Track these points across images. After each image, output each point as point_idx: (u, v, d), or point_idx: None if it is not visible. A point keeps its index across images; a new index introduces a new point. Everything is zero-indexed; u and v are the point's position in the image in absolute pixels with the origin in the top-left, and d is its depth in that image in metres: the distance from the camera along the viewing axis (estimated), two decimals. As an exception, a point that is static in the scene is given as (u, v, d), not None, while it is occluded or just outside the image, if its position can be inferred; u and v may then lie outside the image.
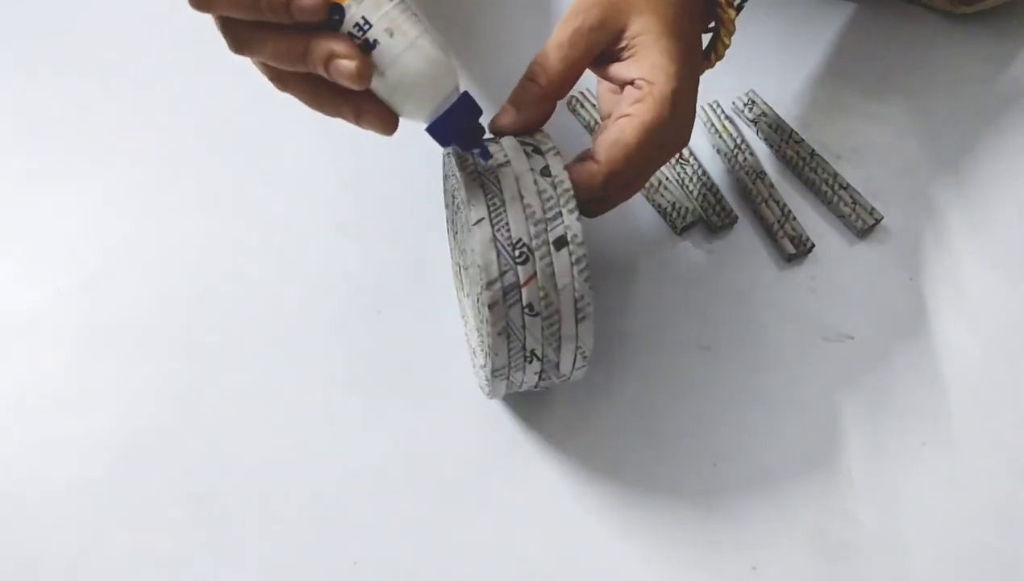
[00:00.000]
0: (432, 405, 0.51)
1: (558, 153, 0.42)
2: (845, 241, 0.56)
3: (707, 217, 0.56)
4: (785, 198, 0.56)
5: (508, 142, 0.43)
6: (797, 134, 0.58)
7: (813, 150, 0.58)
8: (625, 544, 0.47)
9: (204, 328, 0.54)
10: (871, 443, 0.50)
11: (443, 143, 0.41)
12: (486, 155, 0.42)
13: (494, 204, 0.41)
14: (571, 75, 0.44)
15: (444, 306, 0.54)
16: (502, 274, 0.40)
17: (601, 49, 0.45)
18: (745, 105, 0.60)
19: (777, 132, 0.59)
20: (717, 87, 0.59)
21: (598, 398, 0.51)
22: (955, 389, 0.51)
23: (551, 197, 0.41)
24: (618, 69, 0.45)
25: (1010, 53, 0.64)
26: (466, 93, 0.40)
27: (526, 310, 0.41)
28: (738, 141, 0.58)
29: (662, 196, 0.56)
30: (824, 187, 0.57)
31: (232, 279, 0.55)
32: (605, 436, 0.50)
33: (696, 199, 0.56)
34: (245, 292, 0.55)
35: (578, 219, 0.41)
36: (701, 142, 0.59)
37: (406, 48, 0.38)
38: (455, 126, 0.40)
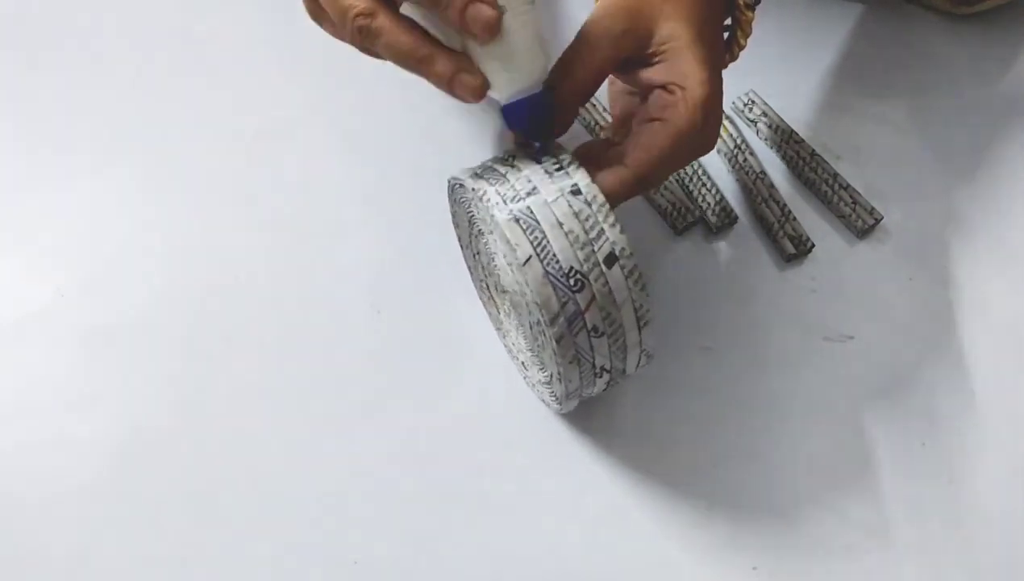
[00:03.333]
0: (432, 405, 0.51)
1: (580, 165, 0.42)
2: (845, 241, 0.56)
3: (707, 217, 0.56)
4: (785, 198, 0.56)
5: (529, 167, 0.42)
6: (797, 134, 0.58)
7: (813, 150, 0.58)
8: (625, 544, 0.47)
9: (204, 328, 0.53)
10: (871, 443, 0.50)
11: (512, 125, 0.43)
12: (545, 150, 0.43)
13: (536, 238, 0.40)
14: (595, 81, 0.44)
15: (444, 306, 0.54)
16: (563, 306, 0.40)
17: (627, 54, 0.44)
18: (745, 105, 0.60)
19: (777, 132, 0.59)
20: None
21: (597, 399, 0.51)
22: (955, 389, 0.51)
23: (589, 216, 0.41)
24: (647, 73, 0.44)
25: (1010, 53, 0.63)
26: (549, 88, 0.42)
27: (591, 333, 0.41)
28: (738, 141, 0.58)
29: (662, 196, 0.56)
30: (824, 187, 0.57)
31: (232, 279, 0.55)
32: (604, 437, 0.50)
33: (696, 199, 0.56)
34: (245, 292, 0.55)
35: (622, 230, 0.41)
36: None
37: (518, 23, 0.39)
38: (530, 113, 0.42)
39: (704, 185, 0.57)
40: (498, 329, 0.52)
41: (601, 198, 0.41)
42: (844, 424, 0.50)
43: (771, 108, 0.60)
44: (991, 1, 0.63)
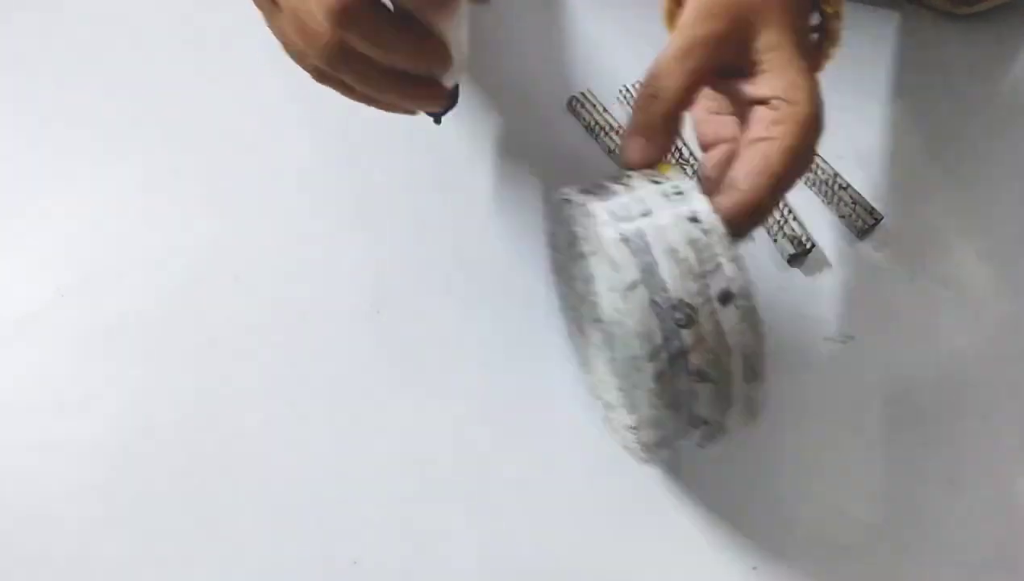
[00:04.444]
0: (432, 405, 0.51)
1: (701, 191, 0.38)
2: (845, 241, 0.56)
3: (707, 217, 0.56)
4: (785, 198, 0.56)
5: (645, 188, 0.39)
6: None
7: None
8: (624, 544, 0.47)
9: (204, 328, 0.53)
10: (871, 443, 0.50)
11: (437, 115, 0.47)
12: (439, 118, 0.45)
13: (645, 262, 0.37)
14: (695, 90, 0.40)
15: (444, 306, 0.54)
16: (666, 340, 0.37)
17: (725, 62, 0.40)
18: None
19: (777, 132, 0.59)
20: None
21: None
22: (955, 389, 0.51)
23: (706, 246, 0.37)
24: (746, 86, 0.41)
25: (1010, 53, 0.63)
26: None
27: (694, 377, 0.37)
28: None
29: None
30: (824, 187, 0.57)
31: (232, 279, 0.55)
32: (602, 439, 0.50)
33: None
34: (245, 293, 0.55)
35: (741, 268, 0.37)
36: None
37: (464, 20, 0.42)
38: (452, 100, 0.45)
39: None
40: (582, 365, 0.50)
41: (722, 229, 0.37)
42: (844, 424, 0.50)
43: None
44: (991, 1, 0.63)
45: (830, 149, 0.59)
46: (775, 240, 0.55)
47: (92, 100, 0.62)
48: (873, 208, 0.56)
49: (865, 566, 0.47)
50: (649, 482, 0.49)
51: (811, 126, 0.39)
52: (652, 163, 0.40)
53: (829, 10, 0.44)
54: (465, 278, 0.53)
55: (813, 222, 0.56)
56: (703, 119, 0.46)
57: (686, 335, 0.37)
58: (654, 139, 0.40)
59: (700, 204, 0.38)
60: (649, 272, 0.37)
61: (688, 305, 0.36)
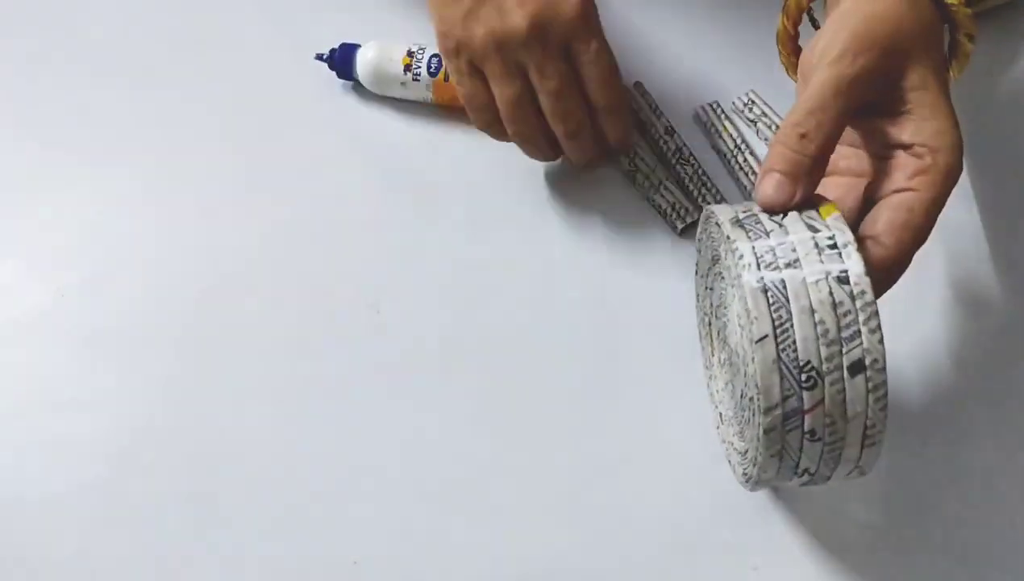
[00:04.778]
0: (431, 405, 0.51)
1: (859, 249, 0.36)
2: (845, 241, 0.56)
3: (707, 217, 0.56)
4: (785, 198, 0.56)
5: (799, 233, 0.37)
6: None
7: (813, 150, 0.58)
8: (624, 544, 0.47)
9: (204, 329, 0.54)
10: (871, 443, 0.50)
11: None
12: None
13: (779, 317, 0.35)
14: (839, 130, 0.38)
15: (444, 306, 0.54)
16: (784, 399, 0.36)
17: (873, 98, 0.38)
18: (745, 105, 0.60)
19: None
20: (717, 87, 0.59)
21: (596, 400, 0.51)
22: (955, 389, 0.51)
23: (849, 311, 0.35)
24: (892, 129, 0.39)
25: (1010, 53, 0.63)
26: None
27: (807, 436, 0.36)
28: (738, 141, 0.58)
29: (662, 196, 0.56)
30: (824, 187, 0.57)
31: (232, 279, 0.55)
32: (602, 436, 0.50)
33: (696, 199, 0.56)
34: (245, 293, 0.55)
35: (881, 341, 0.35)
36: (701, 142, 0.59)
37: None
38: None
39: (704, 185, 0.57)
40: (705, 363, 0.49)
41: (870, 296, 0.36)
42: (844, 424, 0.50)
43: (771, 108, 0.60)
44: (991, 1, 0.63)
45: (830, 149, 0.59)
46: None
47: (92, 101, 0.62)
48: (873, 208, 0.56)
49: (865, 566, 0.47)
50: (647, 482, 0.49)
51: (954, 177, 0.38)
52: (789, 206, 0.38)
53: (963, 35, 0.42)
54: (465, 278, 0.53)
55: (813, 222, 0.56)
56: (840, 151, 0.43)
57: (807, 397, 0.36)
58: (799, 181, 0.38)
59: (855, 264, 0.36)
60: (782, 329, 0.35)
61: (816, 370, 0.35)
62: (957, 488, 0.49)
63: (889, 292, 0.54)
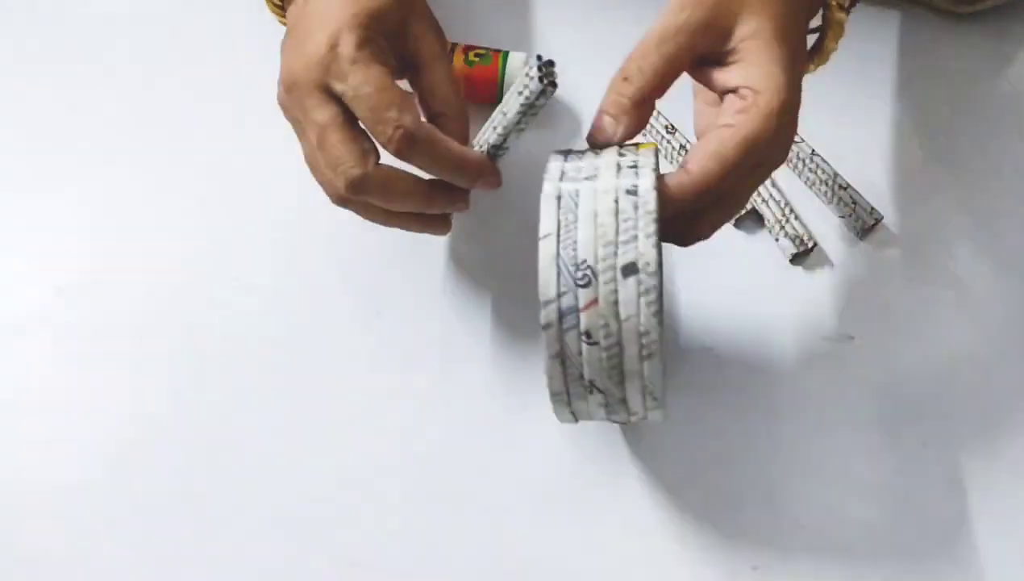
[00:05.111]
0: (431, 405, 0.51)
1: (656, 171, 0.39)
2: (845, 241, 0.56)
3: (707, 217, 0.56)
4: (785, 198, 0.56)
5: (607, 157, 0.40)
6: (797, 134, 0.58)
7: (813, 150, 0.58)
8: (625, 544, 0.47)
9: (204, 328, 0.53)
10: (871, 443, 0.50)
11: None
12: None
13: (566, 220, 0.38)
14: (671, 75, 0.41)
15: (444, 306, 0.54)
16: (560, 295, 0.38)
17: (705, 50, 0.41)
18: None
19: (777, 132, 0.59)
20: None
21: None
22: (955, 389, 0.51)
23: (629, 218, 0.38)
24: (721, 75, 0.41)
25: (1010, 53, 0.63)
26: None
27: (583, 336, 0.38)
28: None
29: (662, 196, 0.56)
30: (824, 187, 0.57)
31: (232, 279, 0.55)
32: (603, 437, 0.50)
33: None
34: (244, 293, 0.55)
35: (655, 246, 0.37)
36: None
37: None
38: None
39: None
40: None
41: (652, 206, 0.38)
42: (844, 424, 0.50)
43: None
44: (991, 0, 0.63)
45: (830, 149, 0.59)
46: (776, 239, 0.55)
47: (91, 101, 0.62)
48: (873, 208, 0.56)
49: (865, 566, 0.47)
50: (649, 481, 0.49)
51: (774, 118, 0.39)
52: (612, 142, 0.41)
53: (834, 1, 0.43)
54: (464, 278, 0.53)
55: (814, 222, 0.56)
56: (700, 110, 0.46)
57: (581, 294, 0.38)
58: (620, 120, 0.41)
59: (645, 180, 0.38)
60: (565, 229, 0.38)
61: (590, 267, 0.38)
62: (957, 488, 0.49)
63: (889, 294, 0.54)
